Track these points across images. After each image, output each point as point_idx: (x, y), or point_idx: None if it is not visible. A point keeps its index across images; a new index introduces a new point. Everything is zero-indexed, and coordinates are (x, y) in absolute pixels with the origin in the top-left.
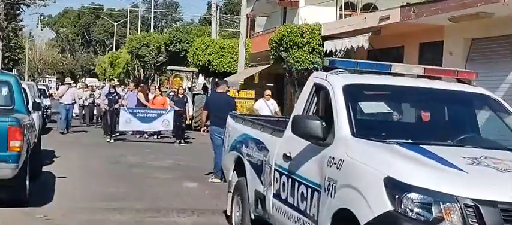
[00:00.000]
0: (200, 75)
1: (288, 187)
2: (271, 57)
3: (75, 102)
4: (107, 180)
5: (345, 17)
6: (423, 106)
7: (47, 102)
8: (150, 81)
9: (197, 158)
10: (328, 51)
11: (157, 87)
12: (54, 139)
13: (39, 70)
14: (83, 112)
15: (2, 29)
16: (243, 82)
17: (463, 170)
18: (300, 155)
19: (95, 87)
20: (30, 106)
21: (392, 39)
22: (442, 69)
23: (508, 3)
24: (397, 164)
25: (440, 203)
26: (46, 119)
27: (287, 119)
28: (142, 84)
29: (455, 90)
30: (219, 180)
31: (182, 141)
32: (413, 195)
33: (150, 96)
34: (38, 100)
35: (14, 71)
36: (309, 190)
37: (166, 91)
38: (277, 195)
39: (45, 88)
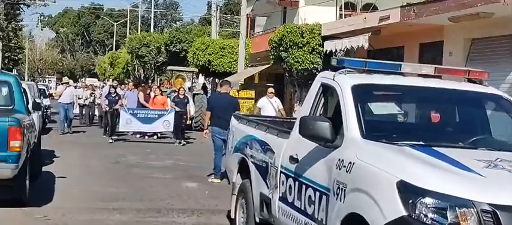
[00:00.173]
0: (200, 75)
1: (295, 190)
2: (271, 57)
3: (74, 102)
4: (107, 180)
5: (345, 17)
6: (434, 106)
7: (47, 102)
8: (150, 81)
9: (197, 158)
10: (328, 51)
11: (157, 86)
12: (54, 139)
13: (39, 70)
14: (83, 112)
15: (2, 29)
16: (243, 82)
17: (479, 174)
18: (307, 158)
19: (95, 87)
20: (30, 106)
21: (392, 39)
22: (453, 68)
23: (508, 3)
24: (410, 167)
25: (456, 208)
26: (46, 120)
27: (292, 120)
28: (143, 84)
29: (467, 90)
30: (219, 180)
31: (182, 141)
32: (428, 200)
33: (152, 95)
34: (38, 100)
35: (14, 71)
36: (317, 194)
37: (166, 91)
38: (283, 199)
39: (45, 88)
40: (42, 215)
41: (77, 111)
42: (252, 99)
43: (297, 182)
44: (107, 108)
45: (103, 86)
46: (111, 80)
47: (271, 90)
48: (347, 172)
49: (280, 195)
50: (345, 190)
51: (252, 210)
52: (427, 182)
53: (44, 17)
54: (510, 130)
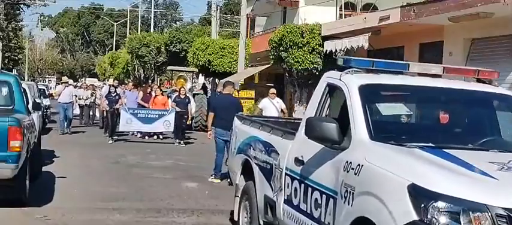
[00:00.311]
0: (200, 75)
1: (301, 193)
2: (271, 57)
3: (73, 102)
4: (107, 180)
5: (345, 17)
6: (443, 107)
7: (47, 102)
8: (150, 81)
9: (197, 158)
10: (328, 51)
11: (158, 86)
12: (54, 139)
13: (39, 70)
14: (83, 112)
15: (2, 29)
16: (243, 82)
17: (492, 177)
18: (314, 159)
19: (95, 87)
20: (30, 106)
21: (392, 39)
22: (463, 68)
23: (508, 3)
24: (421, 170)
25: (470, 213)
26: (46, 120)
27: (296, 121)
28: (144, 85)
29: (476, 90)
30: (219, 181)
31: (181, 142)
32: (440, 204)
33: (153, 95)
34: (38, 100)
35: (14, 71)
36: (324, 196)
37: (166, 91)
38: (288, 201)
39: (45, 88)
40: (42, 215)
41: (77, 111)
42: (252, 99)
43: (302, 185)
44: (107, 108)
45: (103, 86)
46: (111, 80)
47: (273, 90)
48: (355, 174)
49: (285, 197)
50: (353, 193)
51: (255, 213)
52: (439, 186)
53: (44, 17)
54: None
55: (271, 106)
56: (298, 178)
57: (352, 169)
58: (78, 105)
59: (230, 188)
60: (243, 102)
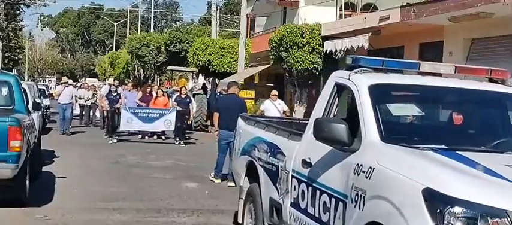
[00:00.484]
0: (200, 75)
1: (308, 196)
2: (271, 57)
3: (73, 102)
4: (107, 180)
5: (345, 17)
6: (455, 107)
7: (47, 102)
8: (150, 81)
9: (197, 158)
10: (328, 51)
11: (158, 86)
12: (54, 139)
13: (39, 70)
14: (83, 112)
15: (2, 29)
16: (243, 82)
17: (509, 180)
18: (322, 162)
19: (96, 87)
20: (30, 106)
21: (392, 39)
22: (475, 67)
23: (508, 3)
24: (436, 173)
25: (488, 218)
26: (46, 120)
27: (301, 122)
28: (144, 84)
29: (489, 90)
30: (219, 180)
31: (182, 142)
32: (457, 209)
33: (153, 95)
34: (38, 100)
35: (14, 71)
36: (333, 200)
37: (167, 91)
38: (295, 204)
39: (45, 88)
40: (42, 215)
41: (77, 111)
42: (252, 99)
43: (310, 188)
44: (108, 108)
45: (102, 86)
46: (111, 79)
47: (274, 92)
48: (367, 177)
49: (292, 200)
50: (364, 197)
51: (260, 216)
52: (455, 190)
53: (44, 17)
54: None
55: (273, 108)
56: (306, 180)
57: (363, 172)
58: (79, 104)
59: (230, 189)
60: None
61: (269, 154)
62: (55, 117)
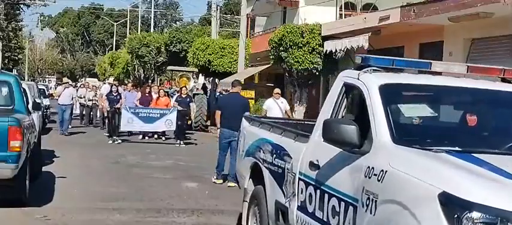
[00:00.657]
0: (200, 75)
1: (316, 199)
2: (271, 57)
3: (73, 104)
4: (107, 180)
5: (345, 17)
6: (469, 108)
7: (47, 102)
8: (150, 81)
9: (197, 158)
10: (328, 51)
11: (158, 87)
12: (54, 139)
13: (39, 70)
14: (83, 112)
15: (2, 29)
16: (243, 82)
17: None
18: (330, 164)
19: (96, 87)
20: (30, 106)
21: (392, 39)
22: (488, 67)
23: (508, 3)
24: (452, 177)
25: (508, 223)
26: (46, 120)
27: (307, 123)
28: (144, 85)
29: (503, 91)
30: (221, 181)
31: (182, 142)
32: (475, 214)
33: (154, 96)
34: (38, 100)
35: (14, 71)
36: (342, 204)
37: (168, 91)
38: (302, 208)
39: (45, 88)
40: (42, 215)
41: (77, 111)
42: (252, 99)
43: (318, 191)
44: (108, 108)
45: (102, 86)
46: (111, 79)
47: (277, 90)
48: (379, 181)
49: (299, 204)
50: (376, 201)
51: (266, 219)
52: (473, 194)
53: (44, 17)
54: None
55: (276, 106)
56: (314, 183)
57: (375, 174)
58: (80, 103)
59: (230, 189)
60: None
61: (275, 155)
62: (55, 117)
